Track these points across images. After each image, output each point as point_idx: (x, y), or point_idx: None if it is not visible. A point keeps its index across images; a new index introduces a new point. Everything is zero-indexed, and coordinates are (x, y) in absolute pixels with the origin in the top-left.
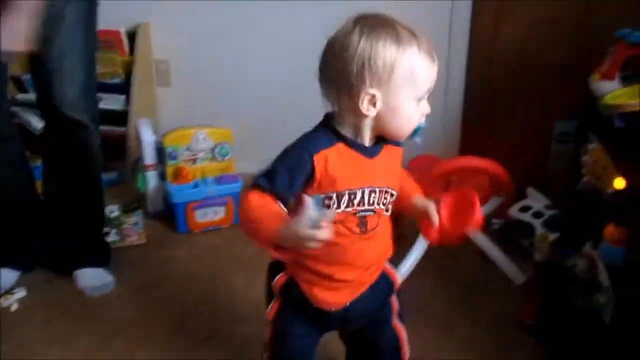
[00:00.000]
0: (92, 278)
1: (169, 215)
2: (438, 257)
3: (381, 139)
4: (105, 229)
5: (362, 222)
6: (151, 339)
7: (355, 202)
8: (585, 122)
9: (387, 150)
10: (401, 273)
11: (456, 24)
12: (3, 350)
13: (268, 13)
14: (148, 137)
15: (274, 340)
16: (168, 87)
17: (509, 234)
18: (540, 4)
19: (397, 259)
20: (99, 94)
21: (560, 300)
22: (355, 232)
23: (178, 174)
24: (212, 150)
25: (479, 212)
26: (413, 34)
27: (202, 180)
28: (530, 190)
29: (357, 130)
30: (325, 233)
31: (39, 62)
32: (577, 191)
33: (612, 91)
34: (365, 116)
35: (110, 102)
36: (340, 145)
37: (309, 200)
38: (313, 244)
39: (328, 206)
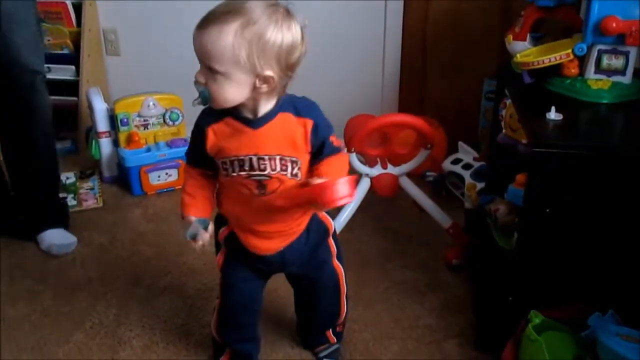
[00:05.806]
0: (56, 237)
1: (124, 179)
2: (375, 210)
3: (273, 111)
4: (63, 195)
5: (261, 185)
6: (110, 293)
7: (246, 167)
8: (503, 80)
9: (281, 122)
10: (338, 224)
11: None
12: None
13: None
14: (99, 105)
15: (223, 285)
16: (117, 56)
17: (443, 185)
18: None
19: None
20: (48, 65)
21: (484, 242)
22: (255, 194)
23: (130, 139)
24: (163, 115)
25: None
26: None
27: (154, 144)
28: (460, 144)
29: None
30: (198, 245)
31: None
32: (497, 143)
33: (523, 50)
34: None
35: (60, 73)
36: (229, 119)
37: (193, 219)
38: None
39: (225, 170)
